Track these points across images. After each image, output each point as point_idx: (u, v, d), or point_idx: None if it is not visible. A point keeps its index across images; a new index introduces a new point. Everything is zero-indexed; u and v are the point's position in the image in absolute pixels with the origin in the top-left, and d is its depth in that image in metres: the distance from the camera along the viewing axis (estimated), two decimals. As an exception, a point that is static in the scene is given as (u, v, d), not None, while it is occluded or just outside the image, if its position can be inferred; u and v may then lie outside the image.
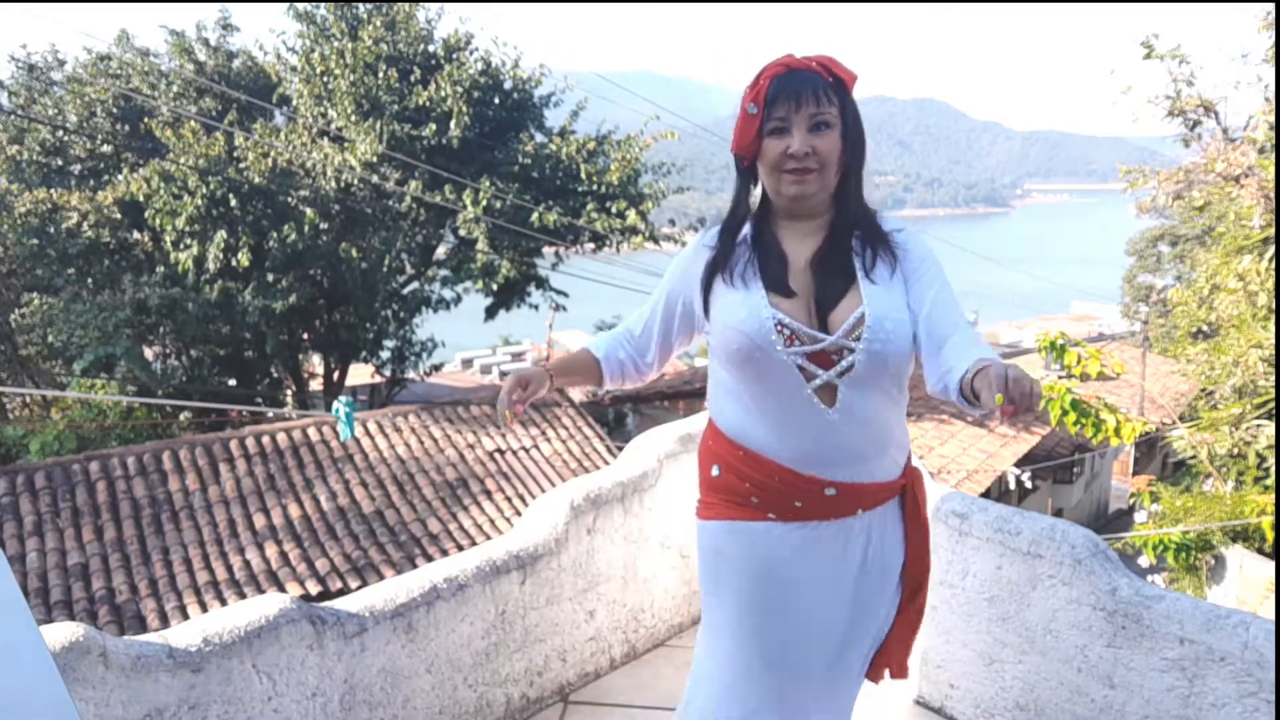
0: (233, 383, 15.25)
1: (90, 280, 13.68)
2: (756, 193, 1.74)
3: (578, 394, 14.69)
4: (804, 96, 1.59)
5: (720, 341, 1.68)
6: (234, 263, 12.50)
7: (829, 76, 1.63)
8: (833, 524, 1.69)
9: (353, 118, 13.12)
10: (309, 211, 12.81)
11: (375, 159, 12.93)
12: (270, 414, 12.58)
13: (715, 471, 1.76)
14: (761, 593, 1.71)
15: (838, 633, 1.74)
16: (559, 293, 15.75)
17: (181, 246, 12.66)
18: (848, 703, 1.84)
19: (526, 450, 10.91)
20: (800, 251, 1.68)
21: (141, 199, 12.76)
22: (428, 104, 13.08)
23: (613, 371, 1.87)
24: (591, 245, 14.40)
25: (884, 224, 1.71)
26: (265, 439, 9.81)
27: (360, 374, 19.18)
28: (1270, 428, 6.70)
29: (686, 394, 16.81)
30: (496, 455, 10.68)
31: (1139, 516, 7.58)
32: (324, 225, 13.19)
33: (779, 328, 1.61)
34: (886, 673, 1.85)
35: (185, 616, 7.46)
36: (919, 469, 1.84)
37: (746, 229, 1.73)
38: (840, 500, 1.68)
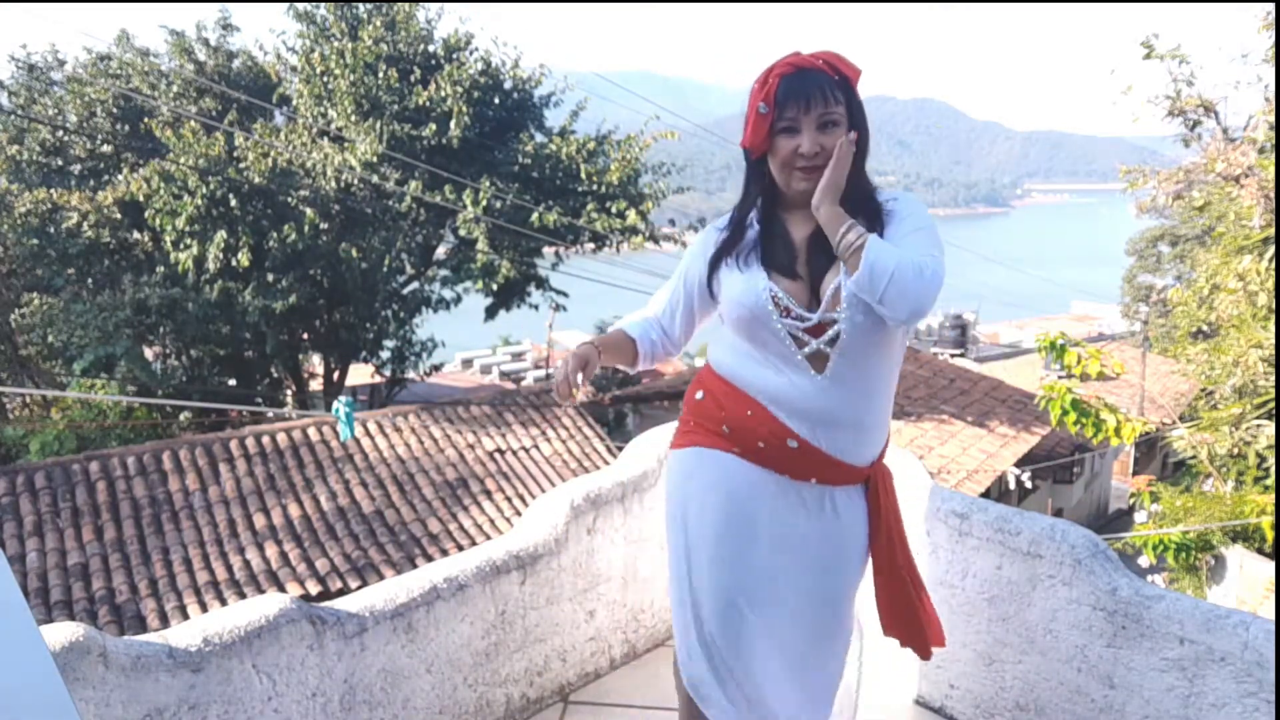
0: (233, 383, 15.24)
1: (90, 280, 13.67)
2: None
3: (578, 394, 14.61)
4: (813, 97, 1.68)
5: (725, 312, 1.84)
6: (234, 263, 12.49)
7: (835, 74, 1.70)
8: (792, 483, 1.79)
9: (353, 118, 13.11)
10: (309, 211, 12.80)
11: (375, 159, 12.91)
12: (270, 414, 12.57)
13: (699, 395, 1.89)
14: (723, 521, 1.81)
15: (795, 584, 1.82)
16: (559, 293, 15.74)
17: (181, 246, 12.64)
18: (823, 674, 1.90)
19: (526, 450, 10.91)
20: (802, 233, 1.78)
21: (141, 199, 12.74)
22: (428, 104, 13.07)
23: (646, 352, 1.98)
24: (591, 245, 14.38)
25: (880, 196, 1.81)
26: (265, 439, 9.81)
27: (360, 374, 19.15)
28: (1270, 428, 6.70)
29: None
30: (496, 455, 10.67)
31: (1139, 516, 7.57)
32: (324, 225, 13.17)
33: (774, 300, 1.74)
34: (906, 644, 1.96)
35: (185, 616, 7.45)
36: (888, 469, 1.92)
37: (755, 215, 1.84)
38: (798, 457, 1.77)
